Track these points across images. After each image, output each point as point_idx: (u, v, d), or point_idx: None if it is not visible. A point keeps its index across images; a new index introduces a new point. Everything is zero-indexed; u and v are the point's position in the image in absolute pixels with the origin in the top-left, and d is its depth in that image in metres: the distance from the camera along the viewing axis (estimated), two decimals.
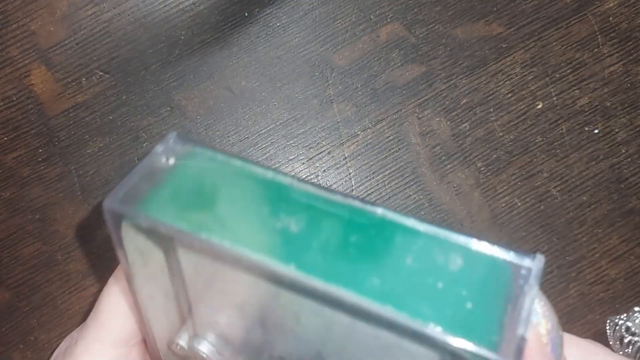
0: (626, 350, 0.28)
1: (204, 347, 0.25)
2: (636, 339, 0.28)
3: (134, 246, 0.21)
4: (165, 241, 0.22)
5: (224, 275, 0.21)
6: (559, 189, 0.41)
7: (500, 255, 0.19)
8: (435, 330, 0.17)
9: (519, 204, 0.41)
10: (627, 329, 0.29)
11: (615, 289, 0.42)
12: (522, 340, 0.17)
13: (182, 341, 0.25)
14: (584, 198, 0.41)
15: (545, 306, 0.21)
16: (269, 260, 0.19)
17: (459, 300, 0.18)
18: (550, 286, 0.41)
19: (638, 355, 0.28)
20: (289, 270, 0.18)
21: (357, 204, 0.20)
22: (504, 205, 0.41)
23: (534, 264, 0.19)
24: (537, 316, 0.21)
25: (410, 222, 0.20)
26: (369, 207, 0.20)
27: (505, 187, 0.41)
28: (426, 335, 0.17)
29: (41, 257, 0.41)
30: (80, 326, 0.29)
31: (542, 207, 0.41)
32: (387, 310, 0.17)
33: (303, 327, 0.21)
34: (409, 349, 0.19)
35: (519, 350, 0.17)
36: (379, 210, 0.20)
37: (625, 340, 0.29)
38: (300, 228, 0.20)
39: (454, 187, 0.40)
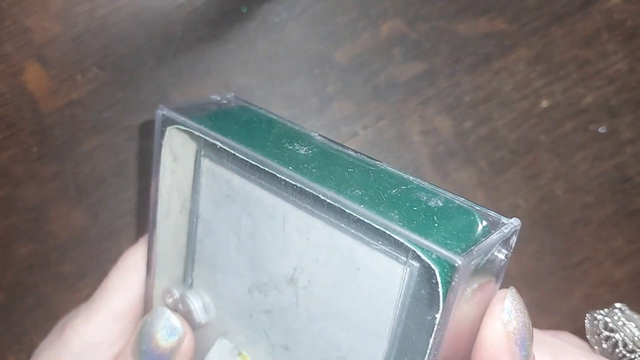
0: (603, 346, 0.28)
1: (195, 299, 0.28)
2: (613, 335, 0.28)
3: (170, 151, 0.26)
4: (196, 150, 0.27)
5: (231, 193, 0.26)
6: (563, 188, 0.40)
7: (481, 211, 0.22)
8: (396, 226, 0.20)
9: (523, 204, 0.40)
10: (605, 325, 0.29)
11: (620, 290, 0.42)
12: (473, 254, 0.19)
13: (177, 290, 0.28)
14: (589, 198, 0.41)
15: (518, 305, 0.22)
16: (272, 160, 0.23)
17: (428, 220, 0.20)
18: (554, 288, 0.41)
19: (614, 352, 0.28)
20: (285, 169, 0.22)
21: (365, 157, 0.24)
22: (507, 205, 0.40)
23: (509, 221, 0.21)
24: (509, 314, 0.22)
25: (406, 176, 0.23)
26: (374, 161, 0.24)
27: (509, 187, 0.40)
28: (388, 230, 0.20)
29: (35, 258, 0.40)
30: (85, 302, 0.30)
31: (546, 207, 0.40)
32: (358, 207, 0.20)
33: (285, 237, 0.24)
34: (374, 270, 0.21)
35: (467, 260, 0.19)
36: (383, 164, 0.24)
37: (602, 336, 0.28)
38: (307, 154, 0.24)
39: (457, 187, 0.40)
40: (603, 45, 0.40)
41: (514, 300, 0.22)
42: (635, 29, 0.40)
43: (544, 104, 0.40)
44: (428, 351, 0.20)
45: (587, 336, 0.29)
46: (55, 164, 0.39)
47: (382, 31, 0.39)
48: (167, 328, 0.26)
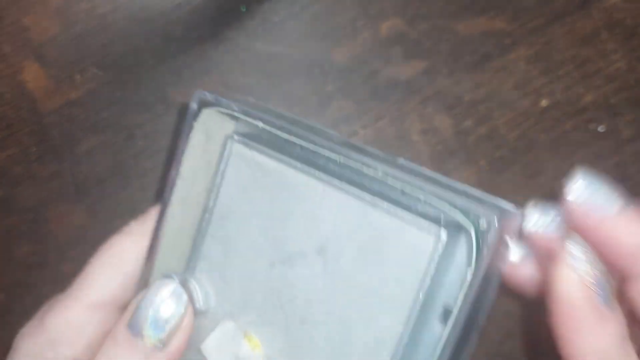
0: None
1: (198, 285, 0.28)
2: None
3: (203, 130, 0.28)
4: (227, 133, 0.28)
5: (260, 175, 0.27)
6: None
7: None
8: (443, 179, 0.22)
9: (523, 203, 0.40)
10: None
11: None
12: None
13: (176, 277, 0.28)
14: None
15: (588, 254, 0.19)
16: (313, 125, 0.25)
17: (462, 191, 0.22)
18: None
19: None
20: (328, 130, 0.25)
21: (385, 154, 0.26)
22: None
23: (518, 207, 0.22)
24: (582, 263, 0.19)
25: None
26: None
27: (509, 186, 0.40)
28: (434, 185, 0.22)
29: (34, 258, 0.40)
30: (68, 287, 0.30)
31: None
32: (407, 163, 0.22)
33: (318, 213, 0.25)
34: (403, 241, 0.22)
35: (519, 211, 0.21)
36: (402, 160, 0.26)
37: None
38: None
39: None
40: (603, 44, 0.40)
41: (583, 248, 0.19)
42: (634, 28, 0.40)
43: (544, 102, 0.40)
44: (455, 310, 0.20)
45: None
46: (54, 163, 0.39)
47: (381, 30, 0.39)
48: (174, 297, 0.26)
